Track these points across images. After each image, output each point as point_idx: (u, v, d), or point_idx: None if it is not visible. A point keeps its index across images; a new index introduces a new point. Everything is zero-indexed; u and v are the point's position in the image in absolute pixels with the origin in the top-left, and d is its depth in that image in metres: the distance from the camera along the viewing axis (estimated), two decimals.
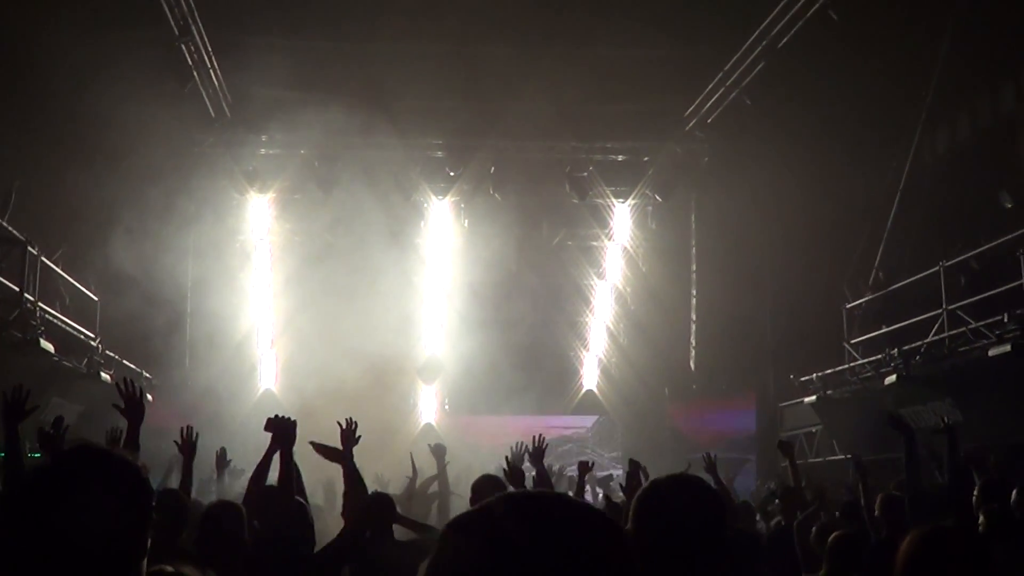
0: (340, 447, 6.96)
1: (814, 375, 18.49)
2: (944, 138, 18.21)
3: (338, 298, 19.79)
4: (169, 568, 3.02)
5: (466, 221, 22.55)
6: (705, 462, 10.23)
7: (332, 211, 20.64)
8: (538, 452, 8.28)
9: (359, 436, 7.05)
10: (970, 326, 13.73)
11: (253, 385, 22.17)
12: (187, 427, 7.86)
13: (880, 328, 17.05)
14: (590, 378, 23.70)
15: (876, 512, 8.14)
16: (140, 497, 2.52)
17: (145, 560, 2.53)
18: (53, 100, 15.02)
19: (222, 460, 10.83)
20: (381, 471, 12.11)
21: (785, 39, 17.47)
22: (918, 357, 14.92)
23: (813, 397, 18.39)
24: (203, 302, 20.74)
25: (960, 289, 14.65)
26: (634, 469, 8.58)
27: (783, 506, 10.12)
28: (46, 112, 15.37)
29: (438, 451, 11.23)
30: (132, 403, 6.65)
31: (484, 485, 7.17)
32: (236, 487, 11.01)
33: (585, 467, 8.93)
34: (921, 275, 15.60)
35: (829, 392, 17.98)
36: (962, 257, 14.65)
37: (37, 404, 6.89)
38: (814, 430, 19.69)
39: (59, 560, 2.37)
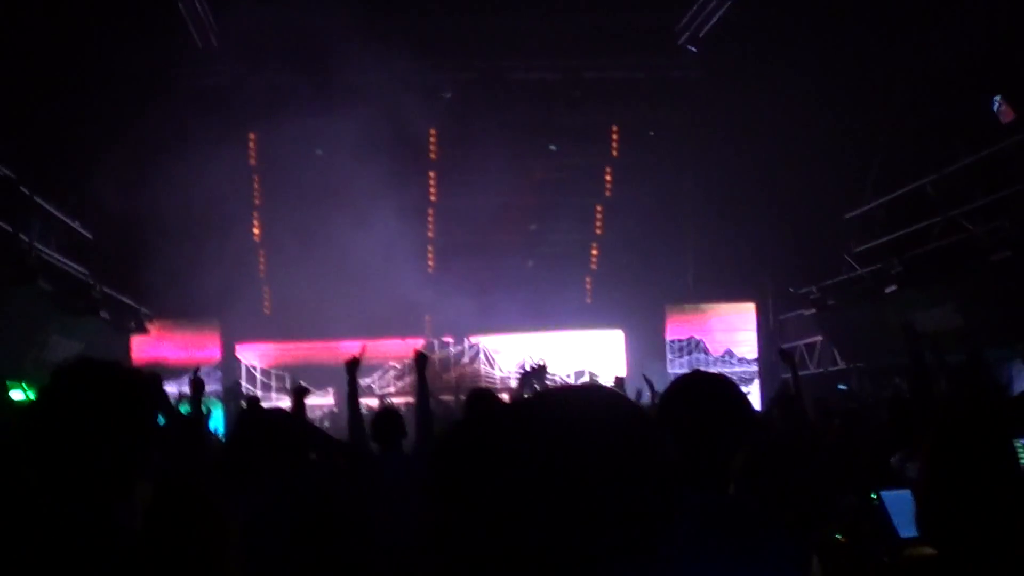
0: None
1: (814, 286, 18.50)
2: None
3: (332, 228, 19.77)
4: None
5: (459, 146, 22.35)
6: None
7: (322, 141, 20.44)
8: (539, 371, 9.39)
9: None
10: (971, 232, 13.72)
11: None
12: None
13: (880, 238, 17.00)
14: (591, 295, 23.79)
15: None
16: (139, 407, 2.53)
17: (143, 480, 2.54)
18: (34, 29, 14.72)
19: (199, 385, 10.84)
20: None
21: None
22: (918, 265, 14.92)
23: (813, 309, 18.43)
24: (195, 234, 20.59)
25: (959, 196, 14.58)
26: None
27: (780, 414, 9.91)
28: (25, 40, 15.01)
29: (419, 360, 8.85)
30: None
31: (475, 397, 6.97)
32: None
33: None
34: (919, 183, 15.53)
35: (830, 303, 18.00)
36: (960, 164, 14.54)
37: None
38: (815, 341, 19.81)
39: (60, 470, 2.40)
